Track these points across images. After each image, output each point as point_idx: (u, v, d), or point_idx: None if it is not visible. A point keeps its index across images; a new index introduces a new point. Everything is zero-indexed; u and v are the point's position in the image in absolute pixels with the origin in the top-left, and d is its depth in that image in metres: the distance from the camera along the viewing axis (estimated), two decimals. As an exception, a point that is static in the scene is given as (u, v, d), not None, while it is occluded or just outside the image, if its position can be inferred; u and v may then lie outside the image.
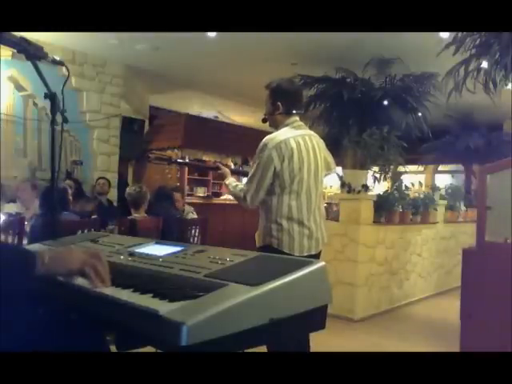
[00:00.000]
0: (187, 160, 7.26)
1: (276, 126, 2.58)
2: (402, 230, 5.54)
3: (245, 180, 2.67)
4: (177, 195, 5.30)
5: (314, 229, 2.49)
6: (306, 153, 2.48)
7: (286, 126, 2.53)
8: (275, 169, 2.41)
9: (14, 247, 1.75)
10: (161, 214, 4.41)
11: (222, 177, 2.74)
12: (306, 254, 2.43)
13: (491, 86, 4.71)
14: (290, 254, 2.38)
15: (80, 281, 1.19)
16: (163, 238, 4.01)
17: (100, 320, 1.17)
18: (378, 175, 5.36)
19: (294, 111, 2.56)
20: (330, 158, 2.73)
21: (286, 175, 2.42)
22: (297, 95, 2.63)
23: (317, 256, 2.52)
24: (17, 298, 1.12)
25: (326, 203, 6.17)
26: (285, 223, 2.43)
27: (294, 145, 2.44)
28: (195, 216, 5.43)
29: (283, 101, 2.54)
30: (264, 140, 2.46)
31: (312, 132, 2.66)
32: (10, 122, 6.11)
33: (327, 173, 2.72)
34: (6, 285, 1.04)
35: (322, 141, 2.65)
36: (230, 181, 2.66)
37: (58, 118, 1.80)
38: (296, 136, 2.48)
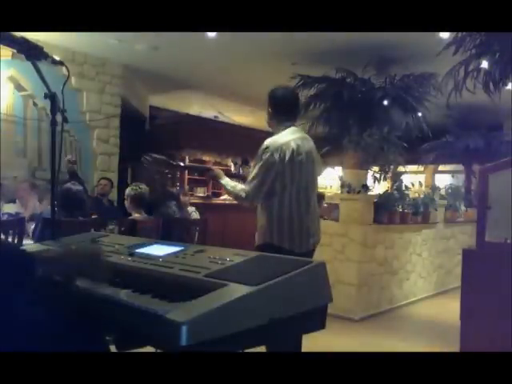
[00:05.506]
0: (186, 163, 7.41)
1: (274, 130, 2.71)
2: (402, 229, 5.54)
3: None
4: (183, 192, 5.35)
5: (311, 226, 2.64)
6: (304, 154, 2.61)
7: (283, 130, 2.64)
8: (277, 170, 2.52)
9: (14, 247, 1.74)
10: (165, 213, 4.43)
11: (216, 178, 2.78)
12: (304, 251, 2.55)
13: (491, 85, 4.71)
14: (291, 251, 2.48)
15: (80, 281, 1.19)
16: (167, 237, 4.01)
17: (100, 320, 1.17)
18: (378, 175, 5.36)
19: (287, 116, 2.67)
20: (320, 162, 2.89)
21: (287, 176, 2.53)
22: (289, 102, 2.73)
23: (313, 252, 2.67)
24: (17, 298, 1.12)
25: (327, 203, 6.17)
26: (286, 221, 2.55)
27: (294, 146, 2.56)
28: (197, 216, 5.44)
29: (276, 107, 2.68)
30: (265, 142, 2.57)
31: (306, 135, 2.80)
32: (10, 122, 6.09)
33: None
34: (5, 285, 1.03)
35: (313, 144, 2.78)
36: (226, 180, 2.72)
37: (58, 118, 1.80)
38: (295, 139, 2.61)
